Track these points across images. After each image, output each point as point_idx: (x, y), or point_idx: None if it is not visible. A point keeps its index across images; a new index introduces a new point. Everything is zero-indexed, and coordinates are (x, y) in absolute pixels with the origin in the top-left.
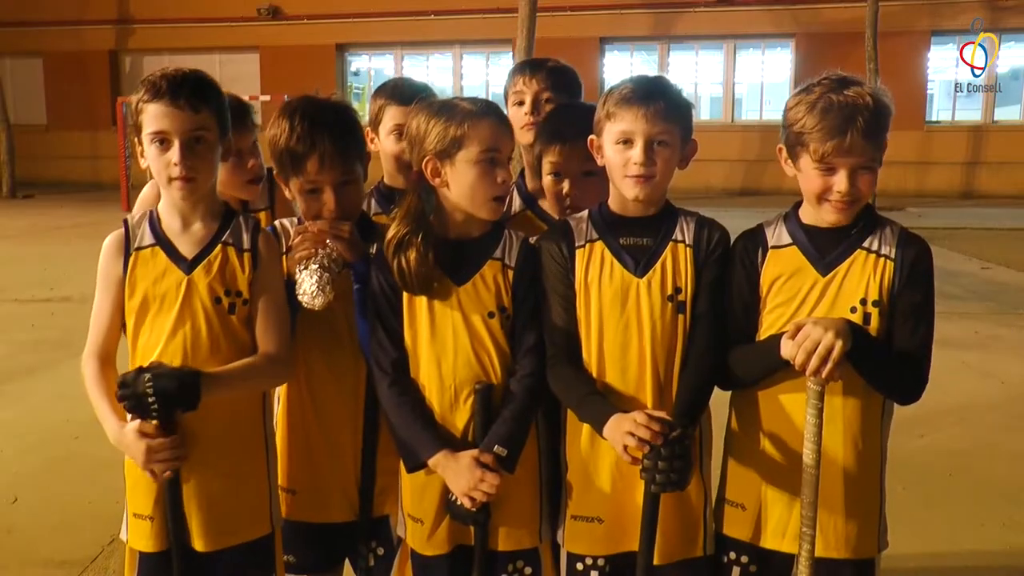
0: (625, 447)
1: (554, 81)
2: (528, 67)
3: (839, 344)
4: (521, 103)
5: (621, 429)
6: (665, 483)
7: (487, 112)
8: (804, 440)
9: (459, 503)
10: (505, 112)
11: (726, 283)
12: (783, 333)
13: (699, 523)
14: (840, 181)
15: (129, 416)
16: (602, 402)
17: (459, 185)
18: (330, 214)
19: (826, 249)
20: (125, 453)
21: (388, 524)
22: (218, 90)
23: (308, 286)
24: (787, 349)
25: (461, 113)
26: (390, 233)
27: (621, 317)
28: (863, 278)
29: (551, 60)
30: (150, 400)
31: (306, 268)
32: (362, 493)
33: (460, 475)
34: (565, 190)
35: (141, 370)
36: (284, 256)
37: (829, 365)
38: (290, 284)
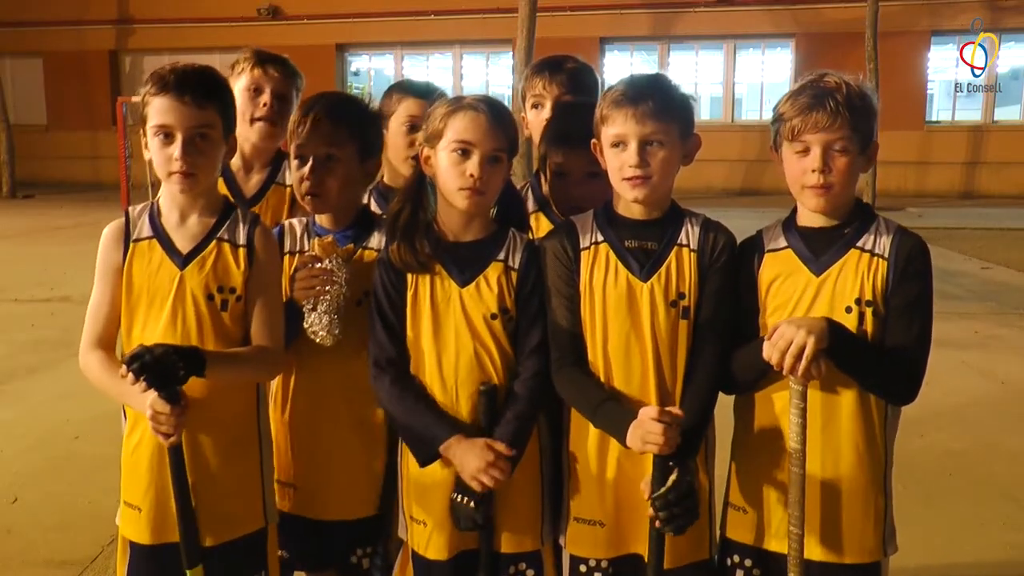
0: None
1: (574, 83)
2: (548, 69)
3: (811, 341)
4: (540, 106)
5: (642, 432)
6: (666, 521)
7: (471, 106)
8: (788, 439)
9: (462, 502)
10: (512, 114)
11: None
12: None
13: (706, 526)
14: (813, 159)
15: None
16: (617, 409)
17: (438, 172)
18: (306, 186)
19: (819, 250)
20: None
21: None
22: (226, 87)
23: (318, 328)
24: (765, 351)
25: (452, 104)
26: (390, 212)
27: (625, 321)
28: (857, 278)
29: (570, 60)
30: (173, 356)
31: (315, 309)
32: (383, 494)
33: (471, 456)
34: (570, 191)
35: (143, 347)
36: (287, 256)
37: (803, 363)
38: (292, 306)
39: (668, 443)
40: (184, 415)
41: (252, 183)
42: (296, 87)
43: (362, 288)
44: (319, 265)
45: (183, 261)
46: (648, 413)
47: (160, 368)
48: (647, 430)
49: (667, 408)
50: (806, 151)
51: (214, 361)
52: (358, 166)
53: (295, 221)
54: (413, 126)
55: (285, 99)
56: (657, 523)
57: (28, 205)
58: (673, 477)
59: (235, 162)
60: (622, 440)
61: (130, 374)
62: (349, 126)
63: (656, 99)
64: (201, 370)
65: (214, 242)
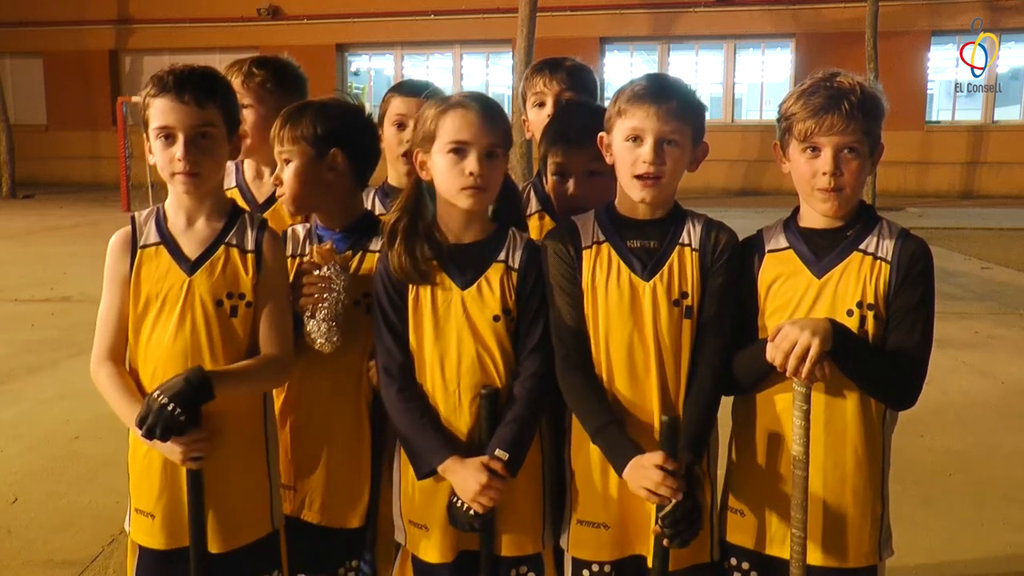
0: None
1: (574, 81)
2: (548, 68)
3: (816, 343)
4: (542, 104)
5: (643, 477)
6: (673, 537)
7: (460, 104)
8: (790, 442)
9: (461, 506)
10: (503, 108)
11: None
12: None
13: (707, 528)
14: (824, 162)
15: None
16: (620, 436)
17: (436, 175)
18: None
19: (822, 252)
20: (160, 450)
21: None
22: (227, 86)
23: (317, 336)
24: (769, 352)
25: (440, 104)
26: (388, 222)
27: (628, 321)
28: (859, 281)
29: (568, 59)
30: (170, 409)
31: (313, 317)
32: (370, 501)
33: (467, 480)
34: (570, 190)
35: (147, 397)
36: (289, 260)
37: (807, 364)
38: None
39: (667, 492)
40: (205, 437)
41: (264, 189)
42: (257, 85)
43: (360, 290)
44: (317, 272)
45: (191, 267)
46: (652, 459)
47: (166, 421)
48: (647, 476)
49: (670, 460)
50: (817, 153)
51: (222, 382)
52: (312, 163)
53: (298, 226)
54: (401, 124)
55: (259, 102)
56: (665, 541)
57: (28, 205)
58: (682, 498)
59: (248, 172)
60: (618, 470)
61: (144, 438)
62: (294, 127)
63: (679, 99)
64: (209, 394)
65: (222, 247)
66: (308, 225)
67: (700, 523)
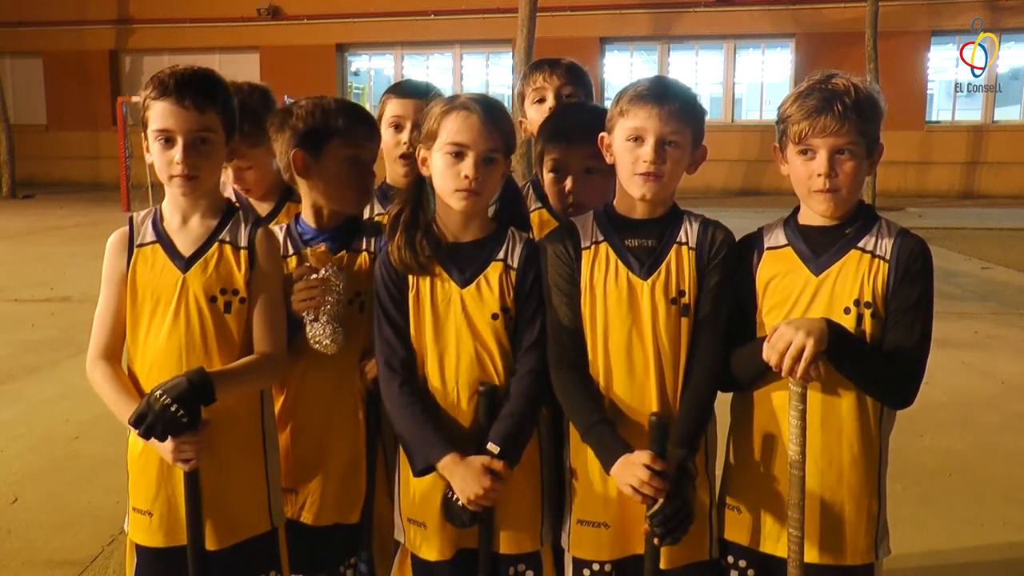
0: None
1: (572, 76)
2: (546, 64)
3: (810, 343)
4: (542, 100)
5: (630, 475)
6: (663, 536)
7: (464, 106)
8: (787, 442)
9: (456, 501)
10: (508, 112)
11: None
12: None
13: (705, 527)
14: (820, 163)
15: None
16: (610, 435)
17: (434, 173)
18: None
19: (820, 249)
20: (154, 447)
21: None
22: (227, 90)
23: (323, 338)
24: (764, 352)
25: (446, 104)
26: (390, 214)
27: (626, 319)
28: (857, 279)
29: (562, 58)
30: (173, 410)
31: (316, 319)
32: (365, 499)
33: (468, 480)
34: (568, 187)
35: (147, 396)
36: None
37: (802, 365)
38: (291, 317)
39: (651, 491)
40: (203, 438)
41: (264, 207)
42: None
43: (352, 289)
44: (315, 276)
45: (185, 264)
46: (640, 458)
47: (165, 421)
48: (633, 473)
49: (658, 460)
50: (812, 155)
51: (222, 383)
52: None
53: (275, 227)
54: (397, 125)
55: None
56: (655, 540)
57: (28, 205)
58: (669, 491)
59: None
60: (607, 468)
61: (141, 437)
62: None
63: (681, 101)
64: (211, 397)
65: (216, 244)
66: (284, 225)
67: (690, 520)
